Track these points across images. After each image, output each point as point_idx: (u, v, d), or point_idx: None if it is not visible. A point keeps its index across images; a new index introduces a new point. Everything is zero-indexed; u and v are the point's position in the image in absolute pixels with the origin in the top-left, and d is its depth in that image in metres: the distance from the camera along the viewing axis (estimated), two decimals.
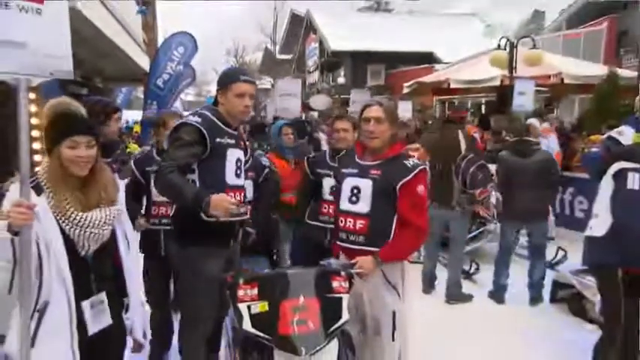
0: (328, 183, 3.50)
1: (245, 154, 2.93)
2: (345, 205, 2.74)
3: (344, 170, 2.81)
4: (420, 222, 2.65)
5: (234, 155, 2.73)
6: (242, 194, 2.81)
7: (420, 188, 2.64)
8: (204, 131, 2.57)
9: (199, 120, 2.62)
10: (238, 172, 2.78)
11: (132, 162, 3.55)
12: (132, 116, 17.98)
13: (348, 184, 2.74)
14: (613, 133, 3.30)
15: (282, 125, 4.65)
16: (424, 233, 2.71)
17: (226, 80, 2.71)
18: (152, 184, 3.32)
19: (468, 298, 5.09)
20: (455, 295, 5.05)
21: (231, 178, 2.72)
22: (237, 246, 2.94)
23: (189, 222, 2.64)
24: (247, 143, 3.10)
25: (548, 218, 5.19)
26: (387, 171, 2.65)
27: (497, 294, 5.08)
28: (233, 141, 2.73)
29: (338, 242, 2.78)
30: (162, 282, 3.51)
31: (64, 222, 1.84)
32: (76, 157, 1.86)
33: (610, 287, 3.06)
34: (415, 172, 2.63)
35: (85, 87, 9.06)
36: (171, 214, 2.93)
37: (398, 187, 2.61)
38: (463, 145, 4.95)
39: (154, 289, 3.48)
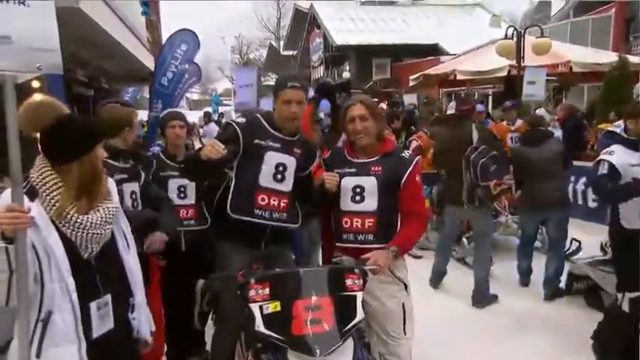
0: None
1: (302, 162, 2.83)
2: (347, 205, 2.67)
3: (337, 171, 2.72)
4: (422, 210, 2.75)
5: (273, 159, 2.73)
6: (280, 199, 2.75)
7: (418, 178, 2.72)
8: (239, 131, 2.70)
9: (242, 120, 2.78)
10: (279, 176, 2.75)
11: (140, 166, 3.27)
12: (139, 116, 17.99)
13: (348, 183, 2.67)
14: (612, 127, 3.32)
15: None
16: (427, 219, 2.87)
17: (277, 87, 2.79)
18: (169, 189, 3.34)
19: (494, 299, 4.85)
20: (481, 299, 4.77)
21: (266, 180, 2.72)
22: (275, 249, 2.87)
23: (220, 216, 2.78)
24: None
25: (567, 208, 5.04)
26: (388, 166, 2.65)
27: (523, 279, 5.23)
28: (278, 145, 2.74)
29: (342, 244, 2.71)
30: (185, 279, 3.15)
31: (63, 226, 1.76)
32: (103, 157, 1.88)
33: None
34: (414, 163, 2.70)
35: (91, 88, 9.07)
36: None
37: (403, 180, 2.63)
38: (475, 138, 4.77)
39: (175, 288, 3.22)
